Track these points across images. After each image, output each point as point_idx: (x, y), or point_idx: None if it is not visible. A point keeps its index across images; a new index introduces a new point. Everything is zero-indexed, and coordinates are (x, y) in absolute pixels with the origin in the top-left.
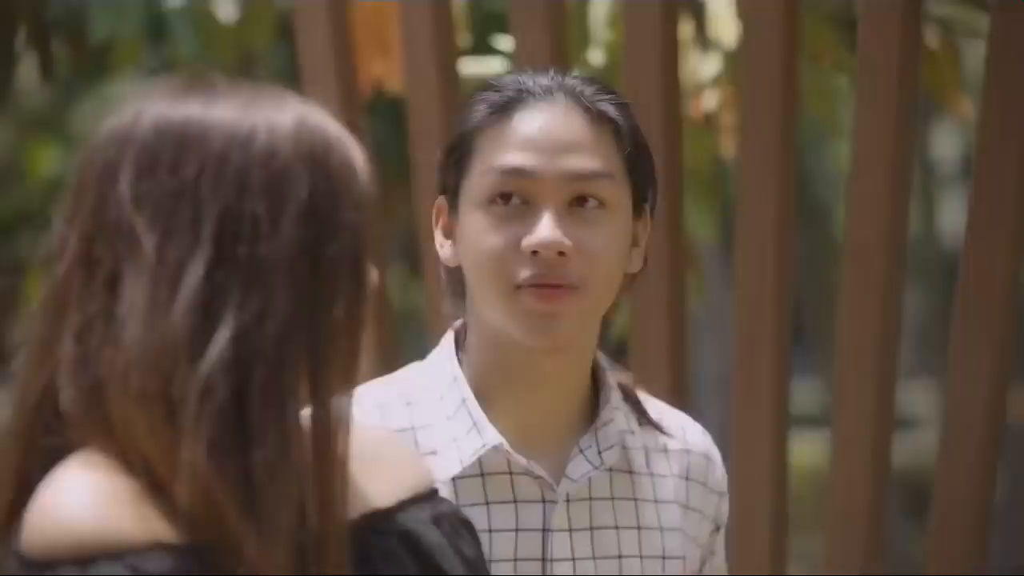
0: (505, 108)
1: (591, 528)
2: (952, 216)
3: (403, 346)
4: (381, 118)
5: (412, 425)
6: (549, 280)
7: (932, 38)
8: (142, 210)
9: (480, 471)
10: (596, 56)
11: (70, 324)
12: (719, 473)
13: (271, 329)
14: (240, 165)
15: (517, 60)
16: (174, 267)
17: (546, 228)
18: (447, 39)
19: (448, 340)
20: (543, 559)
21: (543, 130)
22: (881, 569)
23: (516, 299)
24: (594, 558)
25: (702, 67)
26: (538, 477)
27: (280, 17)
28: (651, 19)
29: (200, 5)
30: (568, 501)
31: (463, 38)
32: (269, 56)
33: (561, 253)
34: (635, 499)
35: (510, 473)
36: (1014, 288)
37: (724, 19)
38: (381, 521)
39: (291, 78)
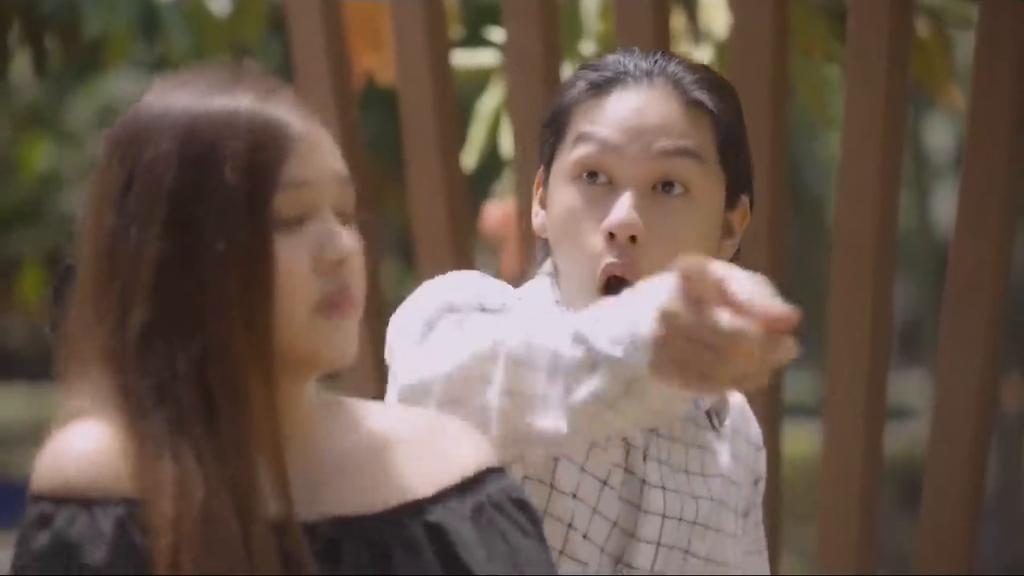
0: (602, 87)
1: (672, 465)
2: (946, 207)
3: None
4: (373, 110)
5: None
6: (620, 272)
7: (924, 29)
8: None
9: None
10: (588, 47)
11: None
12: (756, 427)
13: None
14: (122, 162)
15: (509, 52)
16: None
17: (622, 210)
18: (439, 31)
19: (546, 288)
20: (643, 480)
21: (636, 110)
22: (875, 559)
23: (591, 301)
24: (683, 494)
25: (694, 58)
26: None
27: (273, 10)
28: (642, 10)
29: None
30: (658, 436)
31: (456, 30)
32: (262, 49)
33: (634, 238)
34: (702, 447)
35: None
36: (1004, 278)
37: (715, 10)
38: (410, 513)
39: (285, 71)
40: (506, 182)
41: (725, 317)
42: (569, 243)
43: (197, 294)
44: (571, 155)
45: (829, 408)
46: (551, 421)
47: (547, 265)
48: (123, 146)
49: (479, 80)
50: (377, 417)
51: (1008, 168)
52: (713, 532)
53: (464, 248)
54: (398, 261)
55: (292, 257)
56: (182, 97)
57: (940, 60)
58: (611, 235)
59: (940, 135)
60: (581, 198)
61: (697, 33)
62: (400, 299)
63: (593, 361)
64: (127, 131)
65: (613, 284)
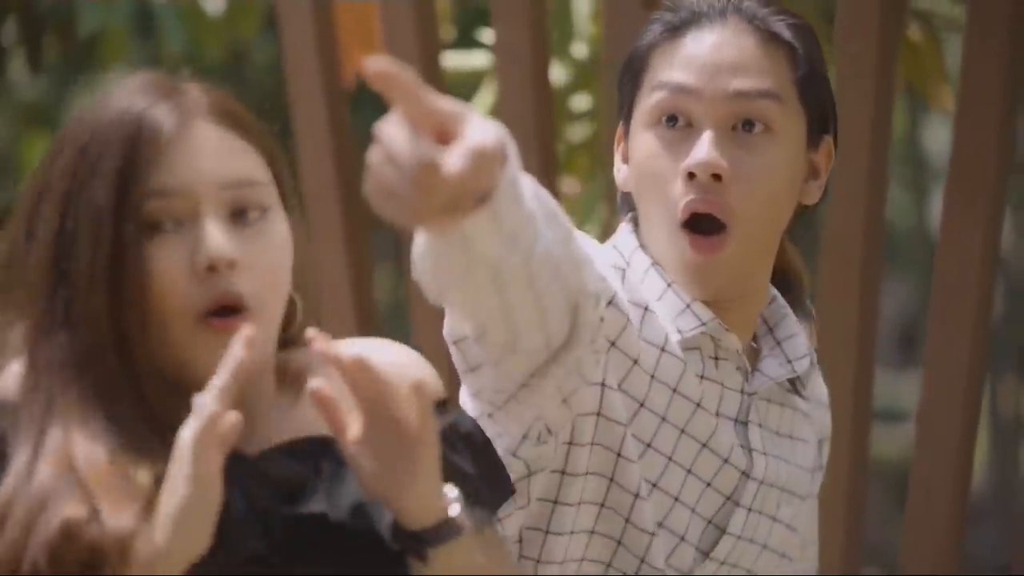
0: (678, 28)
1: (769, 428)
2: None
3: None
4: (365, 111)
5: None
6: (703, 208)
7: (915, 32)
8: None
9: (692, 346)
10: (580, 50)
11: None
12: (821, 383)
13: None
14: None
15: (498, 54)
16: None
17: (703, 149)
18: (429, 33)
19: (628, 234)
20: (738, 446)
21: (712, 49)
22: (860, 559)
23: (676, 241)
24: (777, 458)
25: None
26: (740, 368)
27: (268, 9)
28: (632, 13)
29: None
30: (756, 397)
31: (448, 32)
32: (257, 49)
33: (718, 177)
34: (795, 409)
35: (716, 358)
36: (991, 280)
37: None
38: None
39: (279, 70)
40: None
41: (422, 144)
42: (651, 187)
43: (71, 301)
44: (649, 101)
45: None
46: None
47: (626, 228)
48: (49, 151)
49: (471, 82)
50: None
51: (995, 170)
52: (797, 498)
53: None
54: (391, 265)
55: (164, 265)
56: (93, 105)
57: (931, 62)
58: (691, 175)
59: (938, 137)
60: (661, 143)
61: None
62: (393, 304)
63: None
64: (54, 143)
65: (695, 220)
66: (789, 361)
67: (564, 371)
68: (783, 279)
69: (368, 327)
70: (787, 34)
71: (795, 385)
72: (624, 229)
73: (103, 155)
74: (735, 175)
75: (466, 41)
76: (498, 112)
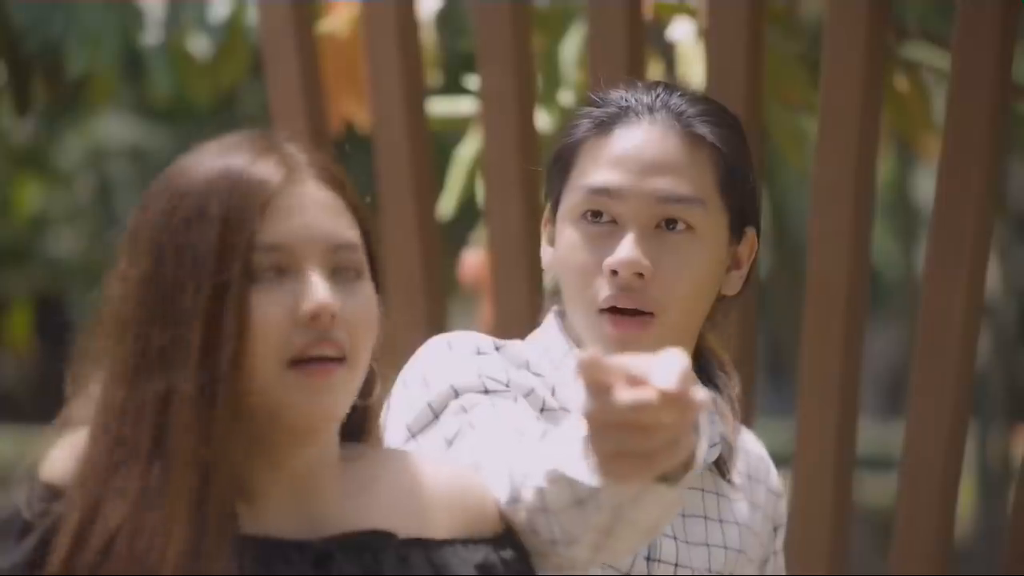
0: (605, 124)
1: (683, 515)
2: None
3: None
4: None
5: (534, 385)
6: (625, 303)
7: (902, 82)
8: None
9: None
10: (566, 97)
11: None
12: (775, 474)
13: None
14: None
15: (484, 99)
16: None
17: (626, 249)
18: (414, 78)
19: (553, 320)
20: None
21: (636, 149)
22: None
23: (596, 323)
24: (687, 542)
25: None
26: None
27: (255, 53)
28: (618, 59)
29: (176, 42)
30: None
31: (434, 77)
32: (246, 92)
33: (640, 275)
34: (718, 493)
35: None
36: (975, 327)
37: (692, 59)
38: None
39: (268, 114)
40: (483, 230)
41: (625, 394)
42: (575, 279)
43: (164, 343)
44: (575, 198)
45: (799, 454)
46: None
47: (551, 317)
48: (143, 201)
49: (458, 128)
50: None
51: (977, 218)
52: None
53: (438, 297)
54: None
55: (266, 311)
56: (192, 160)
57: (918, 112)
58: (614, 272)
59: (927, 186)
60: (584, 237)
61: (673, 80)
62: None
63: (579, 498)
64: (149, 190)
65: (615, 316)
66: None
67: None
68: (704, 368)
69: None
70: (711, 136)
71: (720, 469)
72: (551, 327)
73: (208, 203)
74: (657, 273)
75: (452, 87)
76: (483, 158)
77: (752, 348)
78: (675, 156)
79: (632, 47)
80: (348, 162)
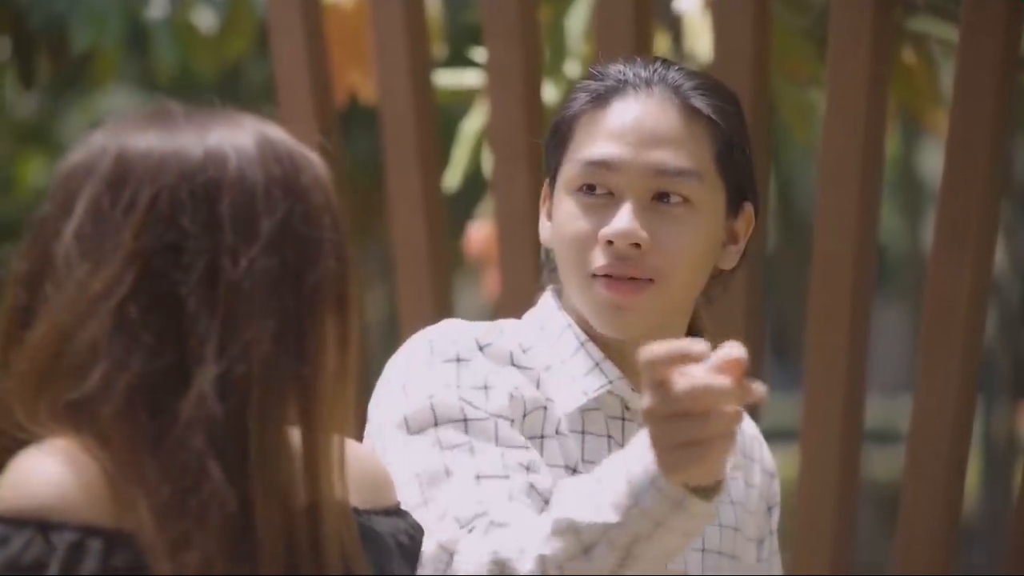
0: (603, 97)
1: None
2: None
3: (380, 362)
4: (357, 128)
5: (534, 366)
6: (620, 271)
7: (909, 54)
8: (83, 244)
9: (599, 407)
10: (572, 68)
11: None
12: (768, 454)
13: (257, 360)
14: (201, 194)
15: (490, 72)
16: (97, 297)
17: (623, 220)
18: (420, 50)
19: (550, 299)
20: None
21: (634, 121)
22: None
23: (591, 287)
24: None
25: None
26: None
27: (260, 27)
28: (624, 32)
29: (181, 16)
30: None
31: (440, 49)
32: (251, 66)
33: (636, 245)
34: None
35: (623, 419)
36: (982, 303)
37: (698, 32)
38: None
39: (272, 88)
40: (489, 203)
41: (683, 382)
42: (570, 248)
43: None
44: (572, 171)
45: (806, 429)
46: None
47: (547, 294)
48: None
49: (464, 101)
50: None
51: (985, 192)
52: (728, 559)
53: (443, 270)
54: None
55: None
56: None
57: (925, 85)
58: (609, 243)
59: (932, 161)
60: (581, 208)
61: (680, 56)
62: (383, 322)
63: (586, 545)
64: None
65: (610, 280)
66: None
67: None
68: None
69: (359, 347)
70: (708, 109)
71: None
72: (547, 307)
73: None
74: (653, 244)
75: (458, 59)
76: (489, 131)
77: (759, 324)
78: (672, 129)
79: (638, 19)
80: (353, 134)
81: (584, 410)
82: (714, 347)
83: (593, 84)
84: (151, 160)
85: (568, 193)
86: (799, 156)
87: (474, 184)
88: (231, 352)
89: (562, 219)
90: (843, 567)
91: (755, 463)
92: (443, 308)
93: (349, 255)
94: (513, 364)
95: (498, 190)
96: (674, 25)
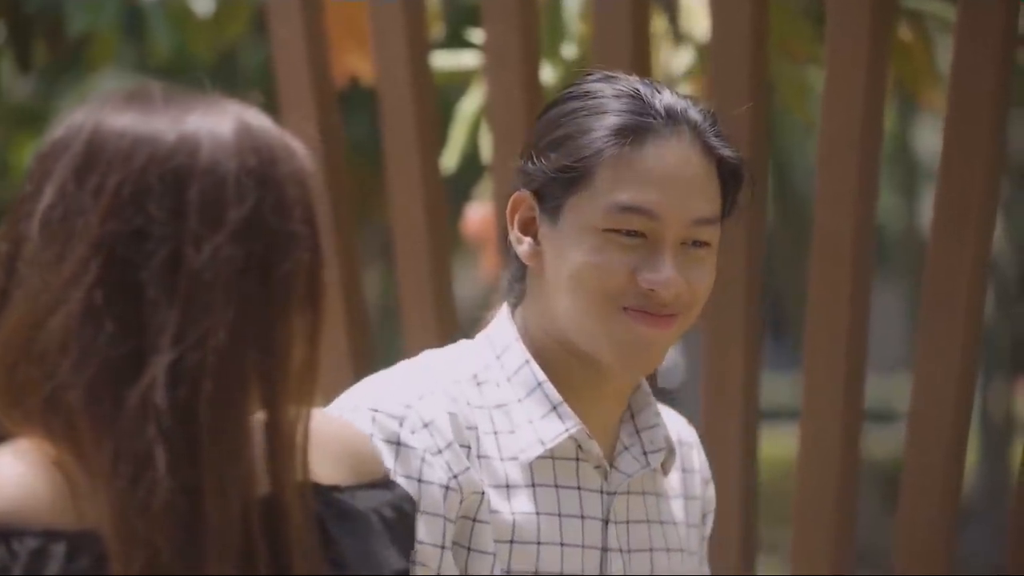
0: (631, 136)
1: (628, 521)
2: None
3: (378, 343)
4: (357, 111)
5: (485, 404)
6: (656, 309)
7: (906, 32)
8: (51, 227)
9: (551, 455)
10: (569, 50)
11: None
12: (703, 458)
13: (215, 349)
14: (169, 179)
15: (488, 53)
16: (64, 282)
17: (667, 270)
18: (419, 32)
19: (507, 322)
20: (603, 548)
21: (672, 168)
22: (852, 561)
23: (618, 321)
24: (630, 551)
25: (674, 60)
26: (599, 467)
27: (256, 10)
28: (622, 13)
29: None
30: (619, 494)
31: (437, 31)
32: (247, 49)
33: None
34: (657, 494)
35: (577, 460)
36: (982, 280)
37: (696, 12)
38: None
39: (269, 70)
40: (486, 184)
41: None
42: (592, 284)
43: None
44: (601, 211)
45: (807, 409)
46: None
47: (505, 317)
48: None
49: (461, 82)
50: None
51: (985, 170)
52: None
53: (443, 252)
54: (382, 265)
55: None
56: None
57: (922, 62)
58: (650, 288)
59: (928, 138)
60: (613, 248)
61: (677, 35)
62: (383, 306)
63: None
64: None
65: (645, 315)
66: (645, 453)
67: None
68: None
69: (358, 329)
70: (726, 154)
71: (663, 467)
72: (503, 316)
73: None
74: (686, 287)
75: (456, 40)
76: (487, 112)
77: (758, 304)
78: (701, 176)
79: (636, 0)
80: (352, 117)
81: (538, 459)
82: (712, 329)
83: (613, 119)
84: (123, 143)
85: (593, 232)
86: (797, 136)
87: (471, 165)
88: (187, 341)
89: (584, 255)
90: (845, 547)
91: (695, 473)
92: (442, 289)
93: (323, 249)
94: (460, 421)
95: (496, 171)
96: (671, 5)
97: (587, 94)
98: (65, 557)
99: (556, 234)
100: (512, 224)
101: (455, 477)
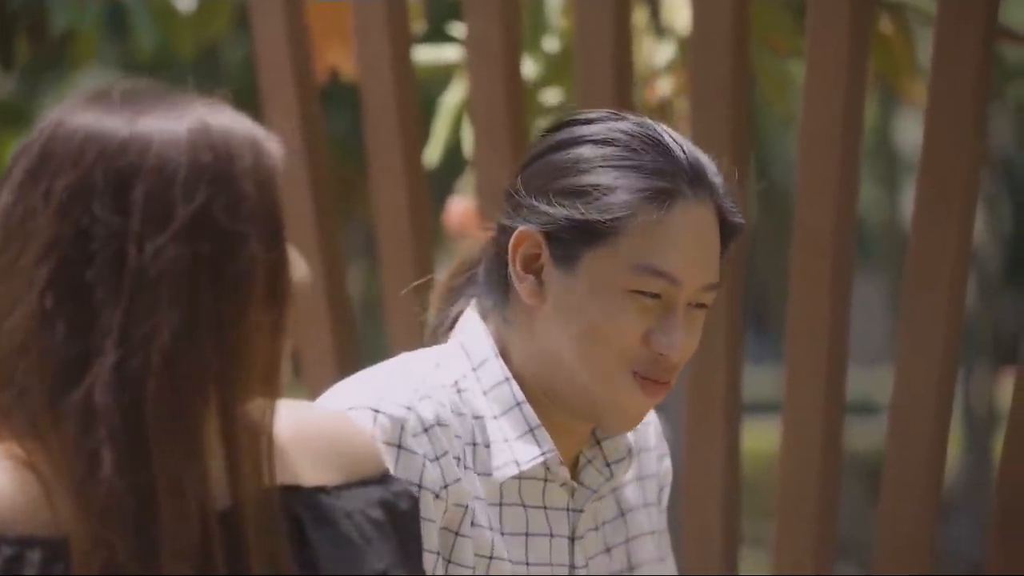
0: (660, 199)
1: (587, 558)
2: None
3: (363, 339)
4: (339, 106)
5: (467, 413)
6: (663, 377)
7: (886, 25)
8: (9, 229)
9: (520, 475)
10: (551, 43)
11: None
12: (659, 433)
13: (160, 349)
14: (114, 179)
15: (470, 47)
16: (24, 285)
17: (680, 334)
18: (400, 27)
19: (483, 335)
20: (571, 565)
21: (699, 237)
22: (833, 555)
23: (627, 387)
24: (588, 559)
25: (656, 53)
26: (564, 484)
27: (238, 6)
28: (604, 6)
29: None
30: (583, 511)
31: (419, 25)
32: (229, 44)
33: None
34: (616, 489)
35: (545, 480)
36: (963, 272)
37: (677, 6)
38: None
39: (251, 66)
40: (469, 178)
41: None
42: (610, 346)
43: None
44: (629, 271)
45: (788, 402)
46: None
47: (478, 325)
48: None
49: (442, 76)
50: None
51: (966, 162)
52: (635, 567)
53: (426, 246)
54: (365, 260)
55: None
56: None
57: (903, 55)
58: (661, 352)
59: (910, 131)
60: (634, 309)
61: (659, 29)
62: (366, 301)
63: None
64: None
65: (651, 383)
66: (608, 464)
67: None
68: None
69: (342, 324)
70: (737, 222)
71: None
72: (475, 326)
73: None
74: (684, 350)
75: (437, 35)
76: (469, 106)
77: (739, 297)
78: (715, 241)
79: None
80: (334, 112)
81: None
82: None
83: (638, 181)
84: (73, 143)
85: (615, 290)
86: (778, 129)
87: (453, 159)
88: (131, 341)
89: (601, 312)
90: (828, 540)
91: (651, 452)
92: (426, 283)
93: (286, 246)
94: (449, 440)
95: (478, 165)
96: None
97: (606, 141)
98: (41, 563)
99: (569, 283)
100: (515, 261)
101: (445, 487)
